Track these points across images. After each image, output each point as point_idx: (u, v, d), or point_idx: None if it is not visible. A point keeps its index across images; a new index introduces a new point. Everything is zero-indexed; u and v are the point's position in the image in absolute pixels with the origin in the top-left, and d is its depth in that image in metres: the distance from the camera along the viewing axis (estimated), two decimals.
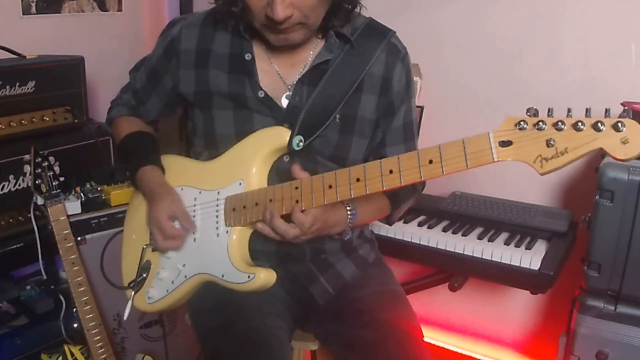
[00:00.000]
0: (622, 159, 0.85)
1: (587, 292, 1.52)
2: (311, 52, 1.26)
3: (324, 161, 1.27)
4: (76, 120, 1.90)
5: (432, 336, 2.32)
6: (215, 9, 1.26)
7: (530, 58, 1.95)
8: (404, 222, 1.87)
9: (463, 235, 1.78)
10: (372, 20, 1.28)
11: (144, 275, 1.34)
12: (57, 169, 1.58)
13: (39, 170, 1.56)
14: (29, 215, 1.70)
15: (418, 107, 1.97)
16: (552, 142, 0.88)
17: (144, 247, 1.36)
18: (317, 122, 1.21)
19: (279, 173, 1.24)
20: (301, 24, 1.13)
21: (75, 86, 1.90)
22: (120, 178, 1.87)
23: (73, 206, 1.72)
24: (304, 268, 1.34)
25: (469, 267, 1.73)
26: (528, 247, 1.69)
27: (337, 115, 1.23)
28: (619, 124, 0.84)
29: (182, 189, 1.33)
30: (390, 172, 1.04)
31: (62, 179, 1.59)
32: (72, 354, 1.76)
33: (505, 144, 0.92)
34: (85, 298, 1.62)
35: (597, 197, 1.44)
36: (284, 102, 1.25)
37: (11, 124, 1.75)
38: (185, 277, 1.29)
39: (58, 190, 1.57)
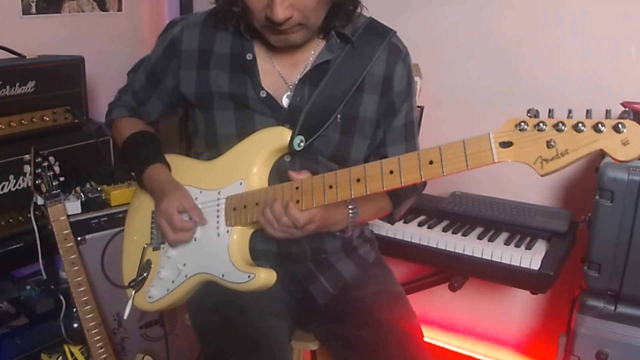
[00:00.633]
0: (623, 160, 0.85)
1: (587, 292, 1.52)
2: (312, 52, 1.26)
3: (325, 161, 1.27)
4: (76, 120, 1.90)
5: (432, 336, 2.32)
6: (216, 8, 1.26)
7: (530, 58, 1.95)
8: (404, 222, 1.87)
9: (463, 235, 1.78)
10: (373, 20, 1.28)
11: (145, 274, 1.35)
12: (57, 169, 1.58)
13: (39, 170, 1.56)
14: (29, 215, 1.69)
15: (418, 107, 1.96)
16: (552, 143, 0.88)
17: (145, 246, 1.37)
18: (318, 122, 1.21)
19: (280, 173, 1.24)
20: (301, 24, 1.13)
21: (75, 86, 1.90)
22: (120, 178, 1.87)
23: (73, 206, 1.72)
24: (304, 268, 1.34)
25: (469, 267, 1.73)
26: (528, 247, 1.69)
27: (338, 115, 1.24)
28: (620, 125, 0.83)
29: None
30: (391, 172, 1.04)
31: (62, 179, 1.59)
32: (72, 354, 1.76)
33: (505, 144, 0.92)
34: (85, 298, 1.62)
35: (597, 197, 1.44)
36: (285, 102, 1.25)
37: (11, 124, 1.75)
38: (186, 276, 1.29)
39: (58, 190, 1.57)
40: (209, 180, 1.29)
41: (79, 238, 1.69)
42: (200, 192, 1.30)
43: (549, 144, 0.89)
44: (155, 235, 1.36)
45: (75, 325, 1.78)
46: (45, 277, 1.81)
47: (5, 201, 1.70)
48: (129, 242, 1.44)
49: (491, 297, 2.19)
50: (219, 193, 1.27)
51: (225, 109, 1.27)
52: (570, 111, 0.89)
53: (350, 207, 1.21)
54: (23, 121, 1.78)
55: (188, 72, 1.29)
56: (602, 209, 1.44)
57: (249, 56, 1.25)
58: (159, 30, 1.41)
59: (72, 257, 1.60)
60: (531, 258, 1.63)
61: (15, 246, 1.73)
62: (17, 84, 1.74)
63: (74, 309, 1.65)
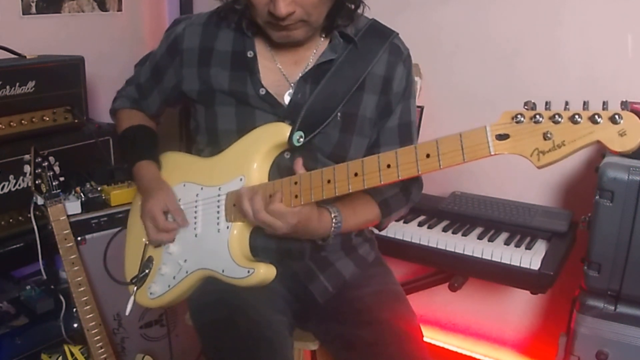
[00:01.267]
0: (620, 152, 0.84)
1: (587, 292, 1.52)
2: (314, 51, 1.27)
3: (324, 159, 1.27)
4: (76, 120, 1.90)
5: (432, 336, 2.32)
6: (219, 7, 1.27)
7: (530, 58, 1.95)
8: (404, 222, 1.87)
9: (463, 235, 1.78)
10: (375, 21, 1.29)
11: (146, 270, 1.36)
12: (57, 169, 1.58)
13: (39, 170, 1.56)
14: (29, 215, 1.69)
15: (418, 107, 1.97)
16: (549, 135, 0.88)
17: (146, 243, 1.38)
18: (319, 119, 1.21)
19: (280, 169, 1.25)
20: (303, 21, 1.14)
21: (75, 86, 1.90)
22: (120, 178, 1.87)
23: (73, 206, 1.72)
24: (304, 266, 1.34)
25: (469, 267, 1.73)
26: (528, 247, 1.68)
27: (339, 113, 1.24)
28: (616, 116, 0.83)
29: (184, 185, 1.34)
30: (388, 166, 1.04)
31: (62, 179, 1.59)
32: (72, 354, 1.76)
33: (502, 137, 0.92)
34: (85, 298, 1.62)
35: (597, 197, 1.44)
36: (287, 100, 1.25)
37: (11, 124, 1.75)
38: (187, 272, 1.30)
39: (58, 190, 1.57)
40: (210, 177, 1.30)
41: (79, 238, 1.69)
42: (202, 188, 1.31)
43: (545, 136, 0.88)
44: None
45: (75, 325, 1.79)
46: (45, 277, 1.81)
47: (5, 201, 1.70)
48: (131, 240, 1.45)
49: (491, 297, 2.19)
50: (219, 189, 1.27)
51: (226, 105, 1.28)
52: (567, 103, 0.89)
53: (334, 221, 1.20)
54: (23, 121, 1.78)
55: (190, 71, 1.31)
56: (602, 209, 1.44)
57: (249, 54, 1.26)
58: (159, 30, 1.42)
59: (72, 257, 1.60)
60: (531, 258, 1.63)
61: (15, 246, 1.73)
62: (17, 84, 1.74)
63: (74, 309, 1.65)
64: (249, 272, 1.20)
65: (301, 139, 1.19)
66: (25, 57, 1.84)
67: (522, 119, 0.90)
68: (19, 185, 1.73)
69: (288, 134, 1.19)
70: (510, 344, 2.20)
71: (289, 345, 1.25)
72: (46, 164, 1.57)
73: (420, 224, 1.86)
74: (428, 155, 0.99)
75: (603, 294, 1.49)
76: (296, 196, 1.13)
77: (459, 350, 2.28)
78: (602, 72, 1.84)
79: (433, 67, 2.11)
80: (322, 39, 1.27)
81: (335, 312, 1.32)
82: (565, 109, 0.88)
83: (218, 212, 1.26)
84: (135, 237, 1.42)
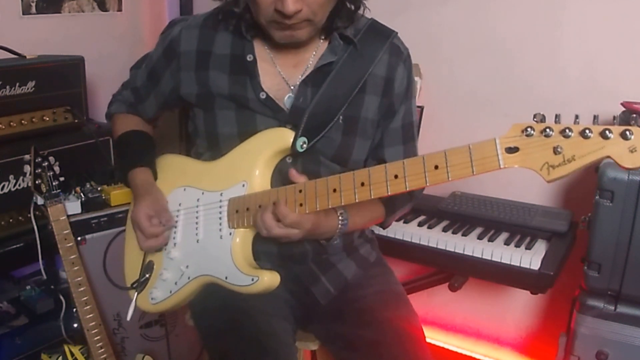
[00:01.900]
0: (630, 168, 0.84)
1: (587, 292, 1.52)
2: (314, 53, 1.26)
3: (327, 162, 1.26)
4: (76, 120, 1.90)
5: (432, 336, 2.32)
6: (216, 9, 1.26)
7: (531, 58, 1.95)
8: (404, 222, 1.87)
9: (463, 235, 1.78)
10: (375, 22, 1.28)
11: (147, 275, 1.34)
12: (57, 169, 1.58)
13: (39, 170, 1.56)
14: (29, 215, 1.69)
15: (418, 107, 1.97)
16: (559, 150, 0.87)
17: None
18: (321, 123, 1.21)
19: (282, 175, 1.24)
20: (308, 20, 1.13)
21: (75, 86, 1.90)
22: (120, 178, 1.87)
23: (73, 206, 1.72)
24: (306, 268, 1.34)
25: (469, 267, 1.73)
26: (528, 247, 1.69)
27: (341, 117, 1.23)
28: (627, 132, 0.83)
29: (184, 190, 1.33)
30: (396, 177, 1.03)
31: (62, 179, 1.59)
32: (72, 354, 1.76)
33: (512, 150, 0.91)
34: (85, 298, 1.62)
35: (597, 197, 1.44)
36: (287, 103, 1.25)
37: (11, 124, 1.75)
38: (189, 278, 1.28)
39: (58, 190, 1.57)
40: (211, 182, 1.29)
41: (79, 238, 1.69)
42: (202, 193, 1.29)
43: (555, 150, 0.88)
44: None
45: (75, 325, 1.78)
46: (45, 277, 1.81)
47: (5, 201, 1.70)
48: (129, 244, 1.43)
49: (491, 297, 2.19)
50: (221, 195, 1.26)
51: (226, 108, 1.27)
52: (577, 117, 0.88)
53: (340, 218, 1.20)
54: (23, 121, 1.78)
55: (188, 74, 1.29)
56: (602, 209, 1.44)
57: (249, 57, 1.24)
58: (159, 30, 1.41)
59: (72, 257, 1.60)
60: (531, 258, 1.63)
61: (15, 246, 1.72)
62: (17, 84, 1.74)
63: (74, 309, 1.65)
64: (252, 280, 1.18)
65: (305, 145, 1.18)
66: (25, 57, 1.84)
67: (532, 132, 0.89)
68: (19, 185, 1.72)
69: (291, 139, 1.18)
70: (510, 344, 2.20)
71: (294, 354, 1.24)
72: (46, 164, 1.56)
73: (420, 224, 1.86)
74: (436, 167, 0.98)
75: (603, 294, 1.49)
76: (301, 204, 1.12)
77: (459, 350, 2.28)
78: (602, 72, 1.84)
79: (433, 67, 2.11)
80: (322, 41, 1.26)
81: (336, 312, 1.32)
82: (575, 122, 0.87)
83: (220, 218, 1.25)
84: (134, 242, 1.42)
